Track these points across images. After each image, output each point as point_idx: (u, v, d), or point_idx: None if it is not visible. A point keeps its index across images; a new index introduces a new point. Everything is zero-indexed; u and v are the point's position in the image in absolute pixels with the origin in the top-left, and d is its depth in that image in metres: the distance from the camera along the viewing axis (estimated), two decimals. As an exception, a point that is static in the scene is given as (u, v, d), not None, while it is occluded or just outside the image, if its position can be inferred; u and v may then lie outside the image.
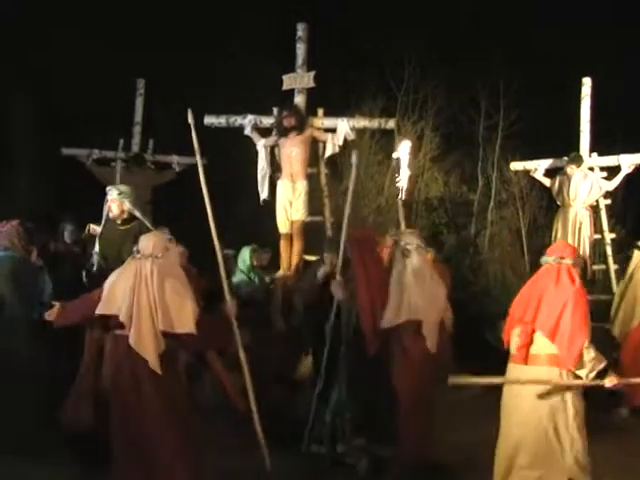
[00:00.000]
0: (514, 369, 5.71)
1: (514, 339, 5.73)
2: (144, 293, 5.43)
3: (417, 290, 6.60)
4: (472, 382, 6.03)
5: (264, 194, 9.84)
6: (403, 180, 8.05)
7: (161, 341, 5.41)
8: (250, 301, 9.04)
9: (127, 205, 7.87)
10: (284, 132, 9.51)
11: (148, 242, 5.59)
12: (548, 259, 5.77)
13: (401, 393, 6.53)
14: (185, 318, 5.44)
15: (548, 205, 13.18)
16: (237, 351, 6.15)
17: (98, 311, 5.47)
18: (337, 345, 6.80)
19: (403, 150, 8.20)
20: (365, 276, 6.59)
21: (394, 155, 7.69)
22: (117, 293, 5.49)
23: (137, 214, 7.89)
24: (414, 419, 6.46)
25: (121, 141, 11.39)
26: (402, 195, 8.03)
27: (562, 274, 5.64)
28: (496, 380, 5.85)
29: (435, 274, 6.95)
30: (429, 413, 6.64)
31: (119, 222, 7.87)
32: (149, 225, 7.83)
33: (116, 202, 7.86)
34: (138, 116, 11.55)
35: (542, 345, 5.58)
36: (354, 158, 7.14)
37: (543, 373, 5.56)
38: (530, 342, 5.63)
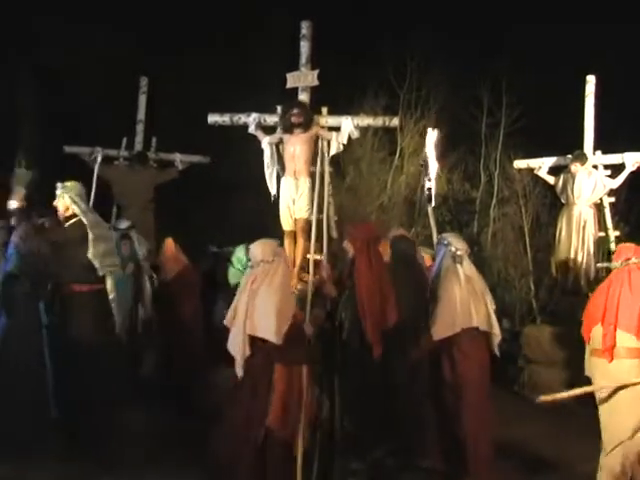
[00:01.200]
0: (600, 363, 5.96)
1: (597, 339, 5.96)
2: (244, 299, 5.70)
3: (470, 297, 6.59)
4: (563, 396, 6.11)
5: (274, 190, 9.82)
6: (432, 180, 7.95)
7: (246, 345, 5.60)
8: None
9: (67, 200, 7.49)
10: (290, 128, 9.47)
11: (256, 249, 5.86)
12: (616, 264, 6.15)
13: (467, 403, 6.47)
14: (269, 323, 5.59)
15: (551, 202, 13.16)
16: None
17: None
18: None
19: (430, 142, 8.08)
20: (369, 276, 6.42)
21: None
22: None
23: (76, 209, 7.50)
24: (484, 429, 6.49)
25: (124, 139, 11.38)
26: (433, 200, 7.91)
27: (633, 275, 5.94)
28: (587, 389, 6.03)
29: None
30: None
31: (64, 220, 7.59)
32: (94, 220, 7.54)
33: (59, 198, 7.57)
34: (141, 114, 11.54)
35: (623, 340, 5.85)
36: None
37: (626, 366, 5.82)
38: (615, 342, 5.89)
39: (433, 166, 8.20)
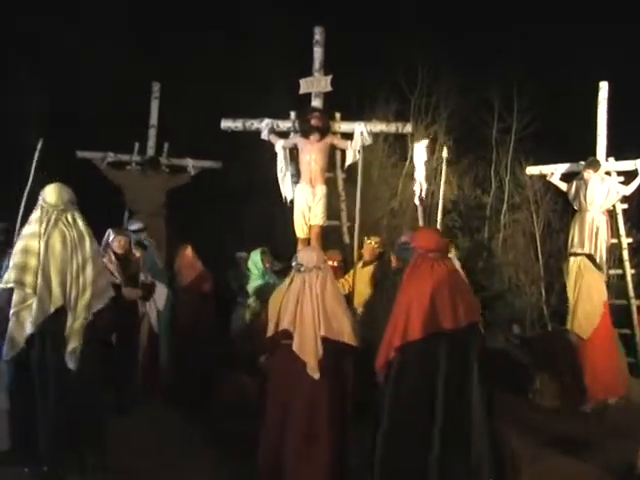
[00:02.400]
0: None
1: None
2: (308, 302, 5.83)
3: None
4: None
5: (289, 194, 9.82)
6: (418, 182, 8.07)
7: (320, 347, 5.79)
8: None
9: None
10: (307, 132, 9.46)
11: (310, 255, 6.08)
12: None
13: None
14: (345, 327, 5.88)
15: (562, 209, 13.14)
16: None
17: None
18: None
19: (418, 152, 8.22)
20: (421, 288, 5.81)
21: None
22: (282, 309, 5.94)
23: None
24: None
25: (136, 144, 11.39)
26: (420, 196, 8.02)
27: None
28: None
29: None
30: None
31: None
32: None
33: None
34: (153, 119, 11.55)
35: None
36: None
37: None
38: None
39: (421, 173, 8.26)
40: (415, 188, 8.30)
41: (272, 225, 12.59)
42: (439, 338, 5.58)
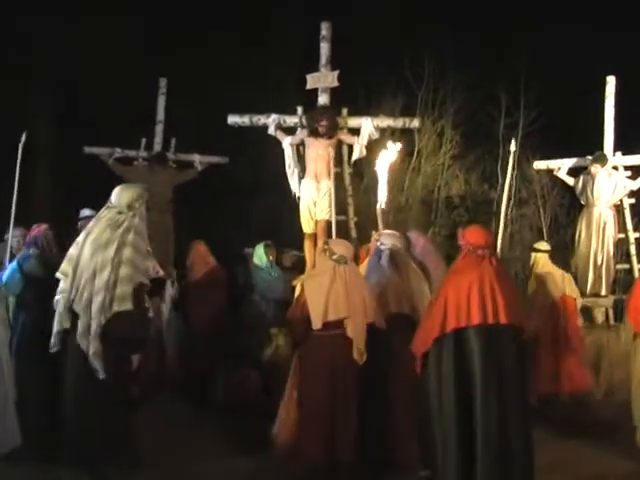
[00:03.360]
0: None
1: None
2: (355, 292, 6.26)
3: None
4: None
5: (296, 190, 9.85)
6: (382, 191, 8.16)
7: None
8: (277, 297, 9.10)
9: None
10: (315, 134, 9.47)
11: (348, 247, 6.57)
12: None
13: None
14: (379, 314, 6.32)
15: (569, 203, 13.15)
16: None
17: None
18: None
19: (386, 156, 8.27)
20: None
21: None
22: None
23: None
24: None
25: (143, 140, 11.37)
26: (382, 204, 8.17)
27: None
28: None
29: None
30: None
31: None
32: None
33: None
34: (160, 115, 11.52)
35: None
36: None
37: None
38: None
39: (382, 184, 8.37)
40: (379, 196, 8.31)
41: (279, 220, 12.61)
42: (469, 333, 5.62)
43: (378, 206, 7.91)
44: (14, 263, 7.00)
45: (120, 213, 6.11)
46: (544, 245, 9.73)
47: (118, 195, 6.20)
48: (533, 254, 9.52)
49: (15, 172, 7.87)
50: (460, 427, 5.51)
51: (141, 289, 6.04)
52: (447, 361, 5.66)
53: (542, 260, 9.43)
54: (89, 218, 9.08)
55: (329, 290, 6.21)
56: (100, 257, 5.95)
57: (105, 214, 6.16)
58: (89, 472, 6.00)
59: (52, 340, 6.05)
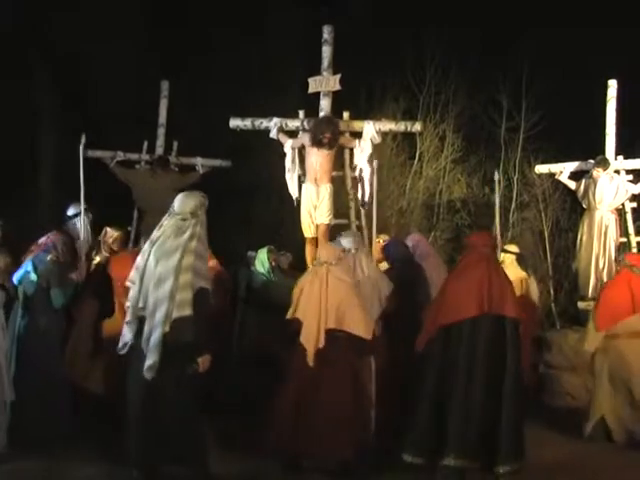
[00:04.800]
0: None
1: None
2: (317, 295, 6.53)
3: None
4: None
5: (296, 194, 9.85)
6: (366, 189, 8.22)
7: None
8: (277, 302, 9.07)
9: None
10: (318, 144, 9.46)
11: (328, 251, 6.88)
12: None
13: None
14: (357, 321, 6.44)
15: (571, 207, 13.13)
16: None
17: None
18: None
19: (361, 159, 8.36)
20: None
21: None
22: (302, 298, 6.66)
23: None
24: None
25: (145, 143, 11.40)
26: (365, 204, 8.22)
27: None
28: None
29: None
30: None
31: None
32: None
33: None
34: (162, 118, 11.53)
35: None
36: None
37: None
38: None
39: (366, 171, 8.42)
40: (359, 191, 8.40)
41: (281, 224, 12.62)
42: (466, 323, 6.29)
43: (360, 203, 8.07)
44: (29, 264, 7.06)
45: (183, 220, 6.17)
46: (513, 248, 10.05)
47: (181, 202, 6.28)
48: (502, 254, 9.69)
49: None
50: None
51: (202, 294, 6.10)
52: (457, 346, 6.28)
53: (508, 261, 9.58)
54: (77, 216, 9.31)
55: (304, 292, 6.66)
56: (163, 265, 6.03)
57: (168, 221, 6.23)
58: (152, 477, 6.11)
59: (120, 345, 6.20)
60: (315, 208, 9.49)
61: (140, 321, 6.09)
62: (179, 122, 11.92)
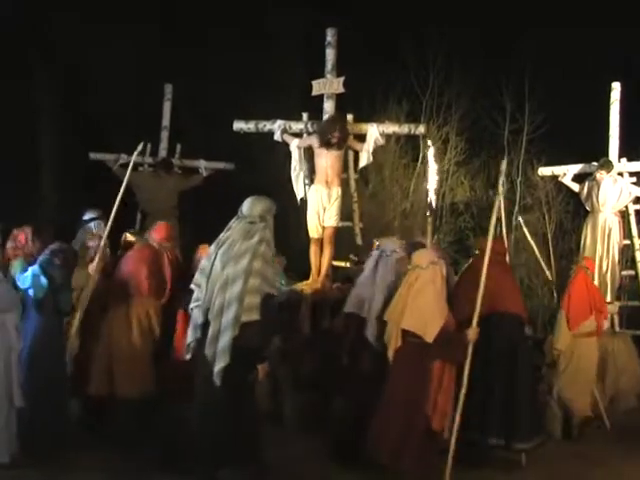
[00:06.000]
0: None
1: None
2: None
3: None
4: None
5: (301, 194, 9.83)
6: (432, 191, 8.21)
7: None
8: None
9: None
10: (328, 145, 9.44)
11: (419, 256, 6.79)
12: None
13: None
14: (429, 326, 6.41)
15: (575, 210, 13.13)
16: None
17: None
18: None
19: (429, 158, 8.33)
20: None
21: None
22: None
23: None
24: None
25: (148, 146, 11.39)
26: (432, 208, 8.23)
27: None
28: None
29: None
30: None
31: None
32: None
33: None
34: (166, 121, 11.54)
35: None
36: None
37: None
38: None
39: (432, 179, 8.42)
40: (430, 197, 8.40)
41: (285, 226, 12.59)
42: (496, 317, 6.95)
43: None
44: (36, 267, 7.04)
45: (252, 223, 6.18)
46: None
47: (250, 206, 6.31)
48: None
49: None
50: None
51: (269, 300, 6.08)
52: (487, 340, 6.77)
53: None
54: (94, 220, 9.30)
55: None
56: (232, 269, 5.99)
57: (236, 225, 6.24)
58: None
59: (186, 348, 6.21)
60: (325, 210, 9.44)
61: (204, 324, 6.07)
62: (182, 125, 11.91)
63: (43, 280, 6.93)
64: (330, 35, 10.22)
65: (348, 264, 9.90)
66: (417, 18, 14.85)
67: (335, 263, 9.85)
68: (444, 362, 6.59)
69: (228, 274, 5.97)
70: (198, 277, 6.19)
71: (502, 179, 7.54)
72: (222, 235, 6.24)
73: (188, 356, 6.20)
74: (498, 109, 14.86)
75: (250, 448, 6.16)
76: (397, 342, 6.52)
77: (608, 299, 10.54)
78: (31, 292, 6.94)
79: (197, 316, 6.12)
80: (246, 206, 6.33)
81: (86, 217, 9.69)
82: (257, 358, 6.09)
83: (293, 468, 6.60)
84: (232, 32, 14.23)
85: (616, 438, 8.21)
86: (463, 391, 6.49)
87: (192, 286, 6.22)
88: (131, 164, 8.88)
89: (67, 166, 12.61)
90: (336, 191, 9.37)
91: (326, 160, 9.40)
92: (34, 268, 7.01)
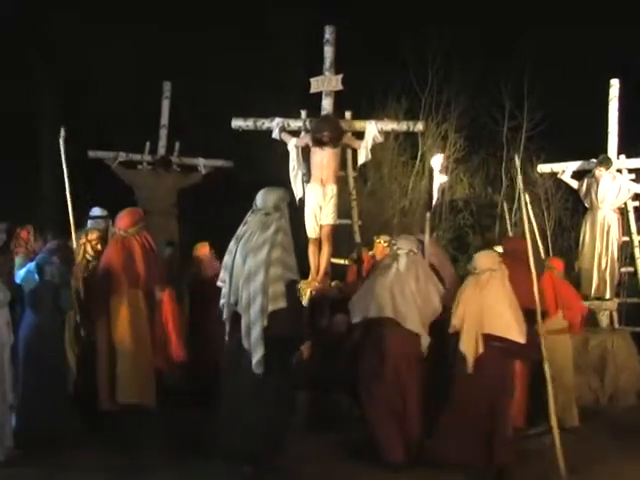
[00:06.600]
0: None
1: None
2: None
3: (393, 292, 6.98)
4: None
5: (299, 193, 9.81)
6: (436, 193, 8.20)
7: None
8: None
9: None
10: (320, 143, 9.42)
11: (486, 259, 6.83)
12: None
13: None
14: (515, 328, 6.50)
15: (574, 207, 13.13)
16: None
17: None
18: None
19: (436, 163, 8.31)
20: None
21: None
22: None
23: None
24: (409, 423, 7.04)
25: (147, 144, 11.40)
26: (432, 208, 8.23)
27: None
28: None
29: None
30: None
31: None
32: None
33: None
34: (164, 119, 11.55)
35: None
36: None
37: None
38: None
39: (437, 181, 8.39)
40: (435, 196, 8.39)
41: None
42: None
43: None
44: (32, 264, 7.06)
45: (267, 215, 6.26)
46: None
47: (264, 197, 6.39)
48: None
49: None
50: None
51: (293, 286, 6.22)
52: None
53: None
54: (100, 218, 9.26)
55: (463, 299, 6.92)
56: (252, 261, 6.08)
57: (252, 218, 6.33)
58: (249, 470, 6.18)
59: (226, 343, 6.32)
60: (321, 209, 9.40)
61: (235, 317, 6.18)
62: (181, 123, 11.91)
63: (35, 277, 6.96)
64: (328, 33, 10.19)
65: (347, 262, 9.91)
66: (417, 17, 14.86)
67: (334, 261, 9.85)
68: (521, 362, 6.91)
69: (250, 267, 6.07)
70: (222, 273, 6.31)
71: (520, 177, 7.67)
72: (239, 230, 6.35)
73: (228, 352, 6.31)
74: (497, 106, 14.86)
75: (279, 439, 6.27)
76: (479, 347, 6.56)
77: (607, 296, 10.58)
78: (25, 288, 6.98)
79: (225, 311, 6.28)
80: (260, 198, 6.40)
81: (94, 214, 9.66)
82: (293, 343, 6.23)
83: (295, 468, 6.59)
84: (231, 30, 14.24)
85: (615, 436, 8.17)
86: (550, 389, 6.72)
87: (219, 283, 6.35)
88: None
89: (67, 165, 12.59)
90: (331, 189, 9.34)
91: (321, 158, 9.38)
92: (30, 265, 7.05)
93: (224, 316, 6.29)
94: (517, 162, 7.72)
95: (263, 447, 6.17)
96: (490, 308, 6.53)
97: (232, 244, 6.31)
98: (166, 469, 6.61)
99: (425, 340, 6.92)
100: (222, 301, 6.31)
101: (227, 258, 6.30)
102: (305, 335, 6.44)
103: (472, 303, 6.61)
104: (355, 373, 7.17)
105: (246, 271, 6.08)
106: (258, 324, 5.99)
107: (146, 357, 7.31)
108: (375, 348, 6.95)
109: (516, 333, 6.48)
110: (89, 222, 9.19)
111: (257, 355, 5.97)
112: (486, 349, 6.53)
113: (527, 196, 7.90)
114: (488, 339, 6.51)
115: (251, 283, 6.05)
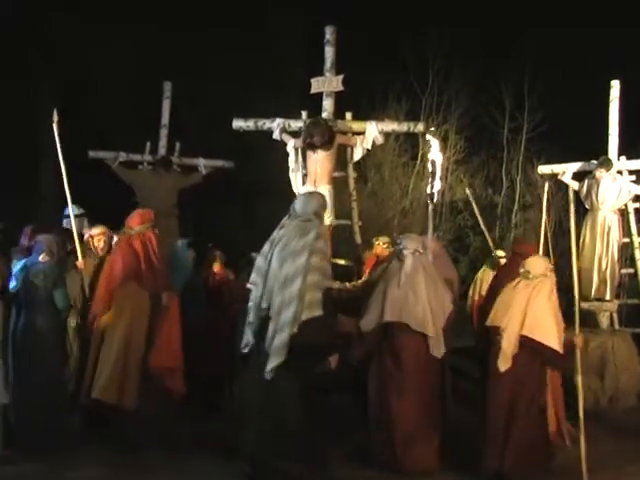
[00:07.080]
0: None
1: None
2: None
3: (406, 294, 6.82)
4: None
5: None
6: (437, 183, 8.15)
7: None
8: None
9: None
10: (312, 148, 9.42)
11: (540, 265, 6.73)
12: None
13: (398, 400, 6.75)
14: (554, 336, 6.46)
15: (574, 208, 13.09)
16: None
17: None
18: None
19: (434, 151, 8.25)
20: None
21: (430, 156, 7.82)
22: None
23: None
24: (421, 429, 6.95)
25: (148, 144, 11.39)
26: (434, 199, 8.17)
27: None
28: None
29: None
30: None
31: None
32: None
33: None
34: (165, 119, 11.53)
35: None
36: None
37: None
38: None
39: (438, 168, 8.33)
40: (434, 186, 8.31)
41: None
42: None
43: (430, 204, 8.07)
44: (18, 266, 7.06)
45: (307, 221, 6.24)
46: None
47: (304, 204, 6.39)
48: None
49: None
50: None
51: (329, 294, 6.16)
52: None
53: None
54: (76, 217, 9.05)
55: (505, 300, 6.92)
56: (291, 266, 6.04)
57: (289, 223, 6.31)
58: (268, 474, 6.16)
59: (242, 343, 6.26)
60: (315, 210, 9.40)
61: (262, 322, 6.10)
62: (182, 123, 11.90)
63: (20, 279, 6.96)
64: (329, 33, 10.20)
65: (346, 262, 9.91)
66: (417, 17, 14.87)
67: (334, 261, 9.84)
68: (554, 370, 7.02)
69: (287, 272, 6.01)
70: (254, 276, 6.24)
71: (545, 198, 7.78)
72: (275, 233, 6.31)
73: (245, 351, 6.25)
74: (497, 107, 14.86)
75: (305, 442, 6.20)
76: (514, 349, 6.51)
77: (607, 297, 10.58)
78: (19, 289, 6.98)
79: (252, 315, 6.19)
80: (299, 204, 6.39)
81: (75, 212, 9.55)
82: (325, 352, 6.15)
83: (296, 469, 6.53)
84: (231, 30, 14.24)
85: (615, 437, 8.16)
86: (581, 399, 6.71)
87: (249, 285, 6.27)
88: None
89: (67, 165, 12.58)
90: (323, 189, 9.29)
91: (314, 160, 9.40)
92: (17, 265, 7.06)
93: (249, 319, 6.20)
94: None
95: (297, 452, 6.15)
96: (535, 312, 6.49)
97: (266, 247, 6.26)
98: (166, 469, 6.61)
99: (439, 342, 6.82)
100: (250, 304, 6.23)
101: (261, 261, 6.23)
102: (337, 345, 6.30)
103: (519, 305, 6.57)
104: (364, 376, 7.06)
105: (283, 276, 6.01)
106: (286, 330, 5.92)
107: (135, 359, 7.14)
108: (391, 353, 6.83)
109: (555, 341, 6.46)
110: (64, 221, 9.12)
111: (274, 362, 5.91)
112: (519, 350, 6.51)
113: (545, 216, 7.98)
114: (524, 341, 6.48)
115: (287, 289, 5.98)
